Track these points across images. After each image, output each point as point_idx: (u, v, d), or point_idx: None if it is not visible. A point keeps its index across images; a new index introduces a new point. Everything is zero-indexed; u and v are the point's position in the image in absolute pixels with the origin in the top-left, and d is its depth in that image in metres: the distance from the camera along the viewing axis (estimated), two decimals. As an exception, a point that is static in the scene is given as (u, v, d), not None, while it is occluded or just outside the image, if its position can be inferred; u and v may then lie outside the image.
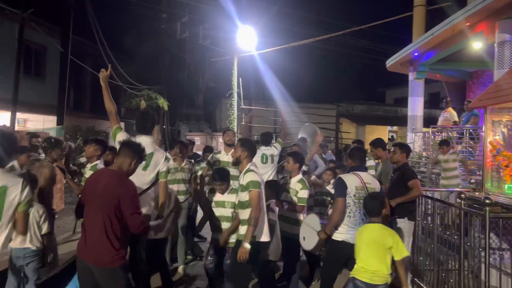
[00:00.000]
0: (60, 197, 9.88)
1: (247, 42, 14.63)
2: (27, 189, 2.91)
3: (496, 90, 5.14)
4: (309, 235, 4.23)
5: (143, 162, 3.76)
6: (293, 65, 21.72)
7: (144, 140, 3.92)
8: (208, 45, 19.74)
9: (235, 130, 15.00)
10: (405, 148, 5.13)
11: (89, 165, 4.85)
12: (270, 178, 5.88)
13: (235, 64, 15.02)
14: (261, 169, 5.04)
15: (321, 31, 18.65)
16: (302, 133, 12.41)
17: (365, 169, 4.31)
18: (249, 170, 3.94)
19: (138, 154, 3.23)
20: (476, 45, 9.12)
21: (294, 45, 14.61)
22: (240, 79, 15.51)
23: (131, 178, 3.19)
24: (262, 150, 6.40)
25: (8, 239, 2.93)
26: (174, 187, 5.49)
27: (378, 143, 5.80)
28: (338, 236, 3.98)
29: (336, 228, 3.98)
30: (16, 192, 2.85)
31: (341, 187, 3.97)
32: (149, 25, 20.07)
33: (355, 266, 3.61)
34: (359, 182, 4.01)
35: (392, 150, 5.23)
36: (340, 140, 23.62)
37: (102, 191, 2.96)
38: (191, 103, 22.62)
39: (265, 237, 3.95)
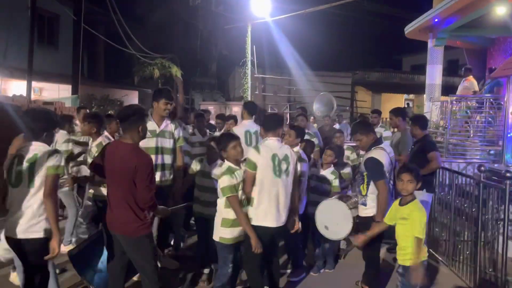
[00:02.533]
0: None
1: (261, 8, 14.29)
2: (55, 156, 3.02)
3: (521, 58, 4.94)
4: (335, 223, 3.98)
5: None
6: (308, 32, 21.16)
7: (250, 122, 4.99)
8: (221, 12, 19.35)
9: (249, 99, 14.89)
10: (420, 122, 5.10)
11: (93, 144, 4.58)
12: None
13: (249, 32, 14.76)
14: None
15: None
16: (317, 102, 12.29)
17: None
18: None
19: (139, 118, 3.17)
20: (500, 10, 8.76)
21: (309, 11, 14.22)
22: (254, 47, 15.26)
23: None
24: (246, 125, 5.45)
25: (42, 207, 3.04)
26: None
27: (399, 112, 5.73)
28: (368, 211, 3.84)
29: (364, 204, 3.86)
30: (44, 158, 3.00)
31: (379, 167, 3.70)
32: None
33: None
34: (387, 156, 3.88)
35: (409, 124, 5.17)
36: (356, 109, 23.33)
37: (120, 165, 3.01)
38: (204, 72, 22.45)
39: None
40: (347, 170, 5.23)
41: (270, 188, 3.55)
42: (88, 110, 6.86)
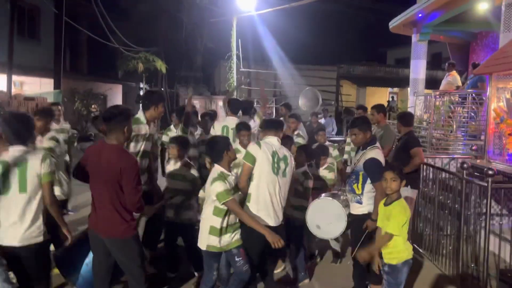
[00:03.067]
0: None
1: (247, 2, 14.20)
2: (48, 162, 3.02)
3: (503, 56, 5.03)
4: (328, 222, 3.92)
5: None
6: (293, 26, 21.16)
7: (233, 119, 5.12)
8: (206, 5, 19.17)
9: (235, 93, 14.83)
10: (403, 119, 5.25)
11: (44, 139, 4.49)
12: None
13: (234, 25, 14.66)
14: None
15: (323, -11, 18.06)
16: (303, 97, 12.30)
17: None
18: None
19: (125, 119, 3.12)
20: (482, 6, 8.88)
21: (294, 5, 14.19)
22: (240, 40, 15.17)
23: None
24: (226, 120, 5.43)
25: (40, 211, 3.05)
26: None
27: (381, 109, 5.93)
28: (364, 209, 3.78)
29: (359, 202, 3.80)
30: (36, 164, 2.99)
31: (379, 169, 3.57)
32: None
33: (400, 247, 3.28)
34: (383, 155, 3.85)
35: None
36: (341, 103, 23.46)
37: (106, 166, 2.96)
38: (189, 65, 22.25)
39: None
40: (330, 176, 5.00)
41: (268, 184, 3.53)
42: (60, 107, 6.40)
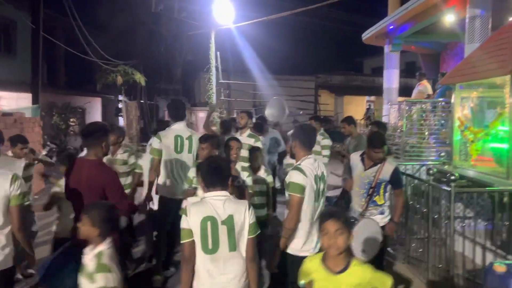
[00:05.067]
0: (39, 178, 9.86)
1: (225, 15, 14.43)
2: (17, 183, 2.92)
3: (465, 67, 5.34)
4: (370, 243, 3.81)
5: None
6: (272, 38, 21.58)
7: (178, 126, 4.63)
8: (184, 18, 19.35)
9: (214, 104, 14.97)
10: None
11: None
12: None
13: (213, 38, 14.85)
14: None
15: (300, 2, 18.48)
16: (270, 107, 12.41)
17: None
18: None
19: (103, 134, 3.23)
20: (449, 18, 9.30)
21: (272, 18, 14.50)
22: (218, 53, 15.37)
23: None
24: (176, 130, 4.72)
25: (10, 236, 2.95)
26: None
27: (351, 120, 6.35)
28: (387, 219, 4.09)
29: (383, 213, 4.05)
30: (5, 185, 2.88)
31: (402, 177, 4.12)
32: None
33: None
34: None
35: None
36: (319, 112, 23.84)
37: (85, 183, 3.07)
38: (169, 78, 22.35)
39: None
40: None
41: (313, 214, 3.28)
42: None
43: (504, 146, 4.72)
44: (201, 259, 2.58)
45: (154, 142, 4.66)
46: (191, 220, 2.56)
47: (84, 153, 3.69)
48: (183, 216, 2.60)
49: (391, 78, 11.88)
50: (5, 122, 8.11)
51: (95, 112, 21.07)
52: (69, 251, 3.60)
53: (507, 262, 2.95)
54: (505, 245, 4.61)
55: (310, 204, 3.22)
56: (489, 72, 4.82)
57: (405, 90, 14.06)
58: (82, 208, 3.10)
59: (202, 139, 4.23)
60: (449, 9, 8.59)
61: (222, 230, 2.56)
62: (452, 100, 5.88)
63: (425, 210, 4.74)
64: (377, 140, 3.98)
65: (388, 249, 5.41)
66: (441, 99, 8.97)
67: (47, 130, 15.84)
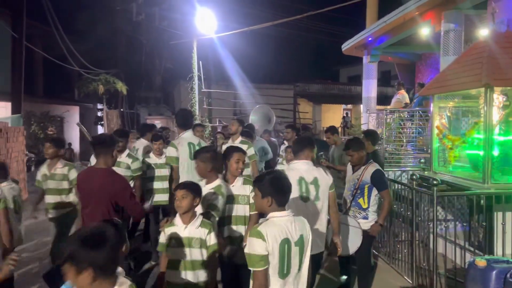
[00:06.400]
0: (22, 187, 9.77)
1: (206, 25, 14.65)
2: None
3: (443, 79, 5.71)
4: (347, 238, 4.06)
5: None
6: (252, 47, 22.00)
7: (189, 134, 4.86)
8: (165, 27, 19.47)
9: (196, 113, 15.13)
10: (373, 137, 5.77)
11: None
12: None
13: (195, 48, 15.03)
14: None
15: (279, 14, 18.93)
16: (254, 114, 12.65)
17: None
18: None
19: (112, 145, 3.43)
20: (425, 31, 9.78)
21: (252, 29, 14.81)
22: (200, 62, 15.55)
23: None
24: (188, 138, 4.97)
25: None
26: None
27: (335, 130, 6.66)
28: (370, 224, 4.21)
29: (366, 218, 4.20)
30: None
31: (385, 178, 4.25)
32: (103, 6, 19.47)
33: None
34: None
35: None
36: (298, 120, 24.26)
37: (98, 190, 3.22)
38: (149, 86, 22.35)
39: None
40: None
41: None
42: None
43: (480, 152, 5.08)
44: (274, 285, 2.42)
45: (170, 151, 4.73)
46: (270, 244, 2.34)
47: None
48: (256, 240, 2.34)
49: (370, 88, 12.32)
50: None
51: (74, 121, 20.79)
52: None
53: (488, 257, 3.24)
54: (483, 246, 4.95)
55: (293, 206, 3.11)
56: (465, 84, 5.18)
57: (380, 99, 14.55)
58: (93, 215, 3.25)
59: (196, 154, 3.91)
60: (425, 23, 9.05)
61: (295, 252, 2.44)
62: (431, 110, 6.24)
63: (408, 213, 5.02)
64: (348, 144, 4.36)
65: (374, 251, 5.70)
66: (418, 108, 9.40)
67: (25, 139, 15.60)
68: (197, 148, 4.78)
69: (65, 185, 4.67)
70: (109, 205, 3.21)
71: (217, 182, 3.48)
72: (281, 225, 2.41)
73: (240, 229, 3.58)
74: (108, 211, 3.22)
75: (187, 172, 4.73)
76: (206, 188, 3.43)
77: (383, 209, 4.21)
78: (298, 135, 6.93)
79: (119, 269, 1.92)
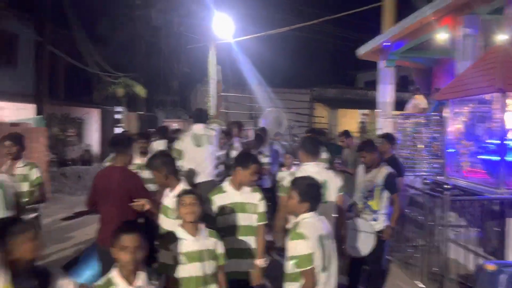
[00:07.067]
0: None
1: (224, 29, 14.82)
2: None
3: (458, 84, 5.70)
4: (360, 240, 4.13)
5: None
6: (269, 52, 22.06)
7: (195, 126, 5.43)
8: (183, 32, 19.79)
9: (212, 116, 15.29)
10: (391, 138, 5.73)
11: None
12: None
13: (212, 52, 15.20)
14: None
15: (296, 18, 19.03)
16: (265, 118, 12.73)
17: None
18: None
19: (129, 144, 3.65)
20: (441, 36, 9.72)
21: (269, 33, 14.92)
22: (219, 66, 15.72)
23: None
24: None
25: None
26: None
27: (349, 134, 6.83)
28: (379, 226, 4.27)
29: (375, 220, 4.25)
30: None
31: (397, 181, 4.30)
32: (124, 12, 19.91)
33: None
34: None
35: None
36: (314, 125, 24.23)
37: (116, 187, 3.36)
38: (167, 89, 22.68)
39: None
40: None
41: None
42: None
43: (494, 158, 5.06)
44: (319, 280, 2.59)
45: (175, 144, 5.48)
46: (312, 243, 2.53)
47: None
48: (301, 242, 2.50)
49: (385, 93, 12.26)
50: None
51: (93, 123, 21.24)
52: (90, 253, 3.88)
53: (497, 261, 3.25)
54: (495, 251, 4.93)
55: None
56: (480, 89, 5.18)
57: (398, 104, 14.45)
58: (111, 211, 3.39)
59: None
60: (442, 28, 9.00)
61: (329, 246, 2.66)
62: (445, 115, 6.23)
63: (420, 217, 5.03)
64: (361, 146, 4.48)
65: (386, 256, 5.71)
66: (434, 113, 9.33)
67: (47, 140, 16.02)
68: (202, 138, 5.39)
69: (24, 187, 4.19)
70: (126, 202, 3.33)
71: (180, 186, 3.27)
72: (314, 224, 2.62)
73: (249, 240, 3.31)
74: (126, 209, 3.34)
75: (188, 160, 5.26)
76: (171, 196, 3.20)
77: (394, 211, 4.27)
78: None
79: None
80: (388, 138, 5.61)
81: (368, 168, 4.41)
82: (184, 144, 5.39)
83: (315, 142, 3.87)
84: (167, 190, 3.32)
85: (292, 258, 2.53)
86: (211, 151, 5.52)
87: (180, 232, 2.73)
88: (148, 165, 3.34)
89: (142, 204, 3.33)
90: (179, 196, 2.82)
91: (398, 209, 4.24)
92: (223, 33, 14.79)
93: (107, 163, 4.85)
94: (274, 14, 23.25)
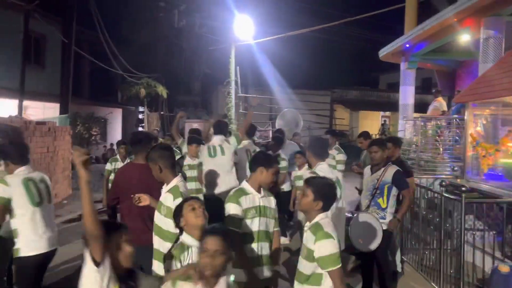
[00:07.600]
0: (68, 184, 10.38)
1: (245, 31, 14.97)
2: None
3: (478, 87, 5.65)
4: (368, 234, 4.15)
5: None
6: (289, 53, 22.15)
7: (215, 138, 5.63)
8: (205, 33, 20.05)
9: (233, 117, 15.45)
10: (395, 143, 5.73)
11: None
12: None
13: (233, 53, 15.36)
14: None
15: (317, 20, 19.00)
16: (280, 119, 12.76)
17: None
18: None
19: (149, 142, 3.77)
20: (464, 38, 9.60)
21: (290, 35, 14.98)
22: (238, 67, 15.87)
23: None
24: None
25: None
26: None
27: (368, 135, 6.66)
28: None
29: (383, 218, 4.30)
30: None
31: (405, 178, 4.39)
32: (147, 14, 20.33)
33: None
34: None
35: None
36: (334, 126, 24.15)
37: (137, 184, 3.47)
38: (188, 90, 23.00)
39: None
40: None
41: None
42: None
43: (514, 161, 5.01)
44: None
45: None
46: (336, 242, 2.60)
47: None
48: (331, 241, 2.56)
49: (407, 95, 12.15)
50: (41, 130, 8.64)
51: (116, 123, 21.73)
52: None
53: (511, 263, 3.24)
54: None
55: None
56: (501, 92, 5.12)
57: (420, 106, 14.29)
58: (131, 209, 3.50)
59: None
60: (464, 29, 8.89)
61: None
62: (465, 117, 6.17)
63: (437, 220, 5.01)
64: (373, 142, 4.58)
65: (403, 257, 5.70)
66: (455, 115, 9.22)
67: (71, 138, 16.49)
68: (217, 149, 5.57)
69: None
70: None
71: (174, 182, 3.11)
72: (331, 224, 2.67)
73: (267, 246, 3.18)
74: (145, 205, 3.44)
75: (205, 171, 5.56)
76: (164, 191, 3.15)
77: (402, 206, 4.36)
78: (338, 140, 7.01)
79: None
80: (394, 141, 5.64)
81: (376, 166, 4.49)
82: (202, 155, 5.74)
83: (322, 143, 3.92)
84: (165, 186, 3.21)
85: (319, 259, 2.54)
86: (225, 162, 5.57)
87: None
88: (147, 157, 3.27)
89: (139, 197, 3.32)
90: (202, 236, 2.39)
91: (406, 205, 4.29)
92: (244, 34, 14.93)
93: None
94: (295, 15, 23.29)
